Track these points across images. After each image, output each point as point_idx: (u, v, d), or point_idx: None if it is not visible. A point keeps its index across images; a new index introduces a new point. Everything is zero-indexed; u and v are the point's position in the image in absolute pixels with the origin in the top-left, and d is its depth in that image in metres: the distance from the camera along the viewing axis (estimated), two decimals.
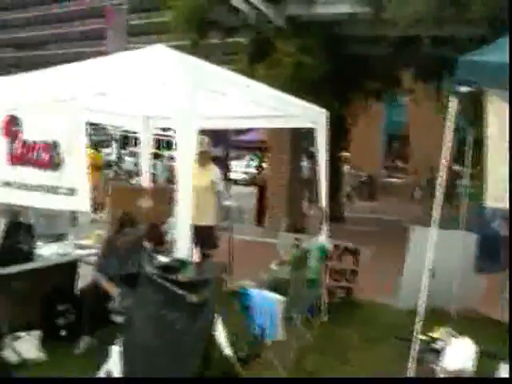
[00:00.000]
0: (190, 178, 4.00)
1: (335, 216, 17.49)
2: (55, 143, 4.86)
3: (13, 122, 5.11)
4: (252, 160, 35.44)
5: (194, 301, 3.11)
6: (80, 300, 5.45)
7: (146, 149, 7.73)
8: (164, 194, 7.71)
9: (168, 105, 3.91)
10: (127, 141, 30.26)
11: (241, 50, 15.38)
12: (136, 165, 27.04)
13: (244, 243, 9.19)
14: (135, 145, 29.96)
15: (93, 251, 5.75)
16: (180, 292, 3.12)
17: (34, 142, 5.02)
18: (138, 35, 56.50)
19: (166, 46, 3.93)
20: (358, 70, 15.39)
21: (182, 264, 3.44)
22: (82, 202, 4.80)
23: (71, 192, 4.81)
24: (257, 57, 13.71)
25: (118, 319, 4.78)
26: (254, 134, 27.72)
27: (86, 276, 5.80)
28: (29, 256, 4.94)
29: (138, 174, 25.64)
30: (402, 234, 7.51)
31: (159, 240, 5.48)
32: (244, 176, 31.40)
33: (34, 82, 4.95)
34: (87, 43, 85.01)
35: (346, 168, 21.20)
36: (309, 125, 6.71)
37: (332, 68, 12.91)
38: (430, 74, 15.23)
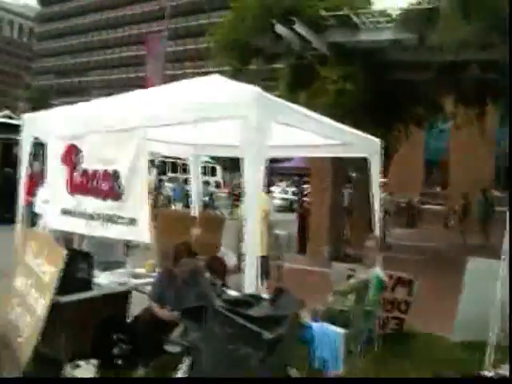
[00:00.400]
0: (257, 210, 3.87)
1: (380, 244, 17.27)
2: (116, 173, 4.84)
3: (73, 151, 5.15)
4: (288, 186, 35.48)
5: (269, 337, 3.02)
6: (134, 329, 5.42)
7: (195, 176, 7.71)
8: (212, 221, 7.69)
9: (237, 135, 3.89)
10: (165, 167, 30.57)
11: (279, 76, 15.43)
12: (175, 191, 27.28)
13: (291, 272, 9.08)
14: (173, 171, 30.33)
15: (147, 280, 5.71)
16: (254, 328, 3.03)
17: (95, 171, 5.03)
18: (174, 61, 57.58)
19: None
20: (400, 96, 15.27)
21: (254, 299, 3.35)
22: (142, 233, 4.74)
23: (131, 222, 4.77)
24: (298, 83, 13.75)
25: (173, 349, 4.74)
26: (293, 160, 27.63)
27: (136, 304, 5.78)
28: (87, 285, 4.93)
29: (175, 200, 25.72)
30: (442, 262, 7.31)
31: (222, 272, 5.39)
32: (280, 202, 31.33)
33: (94, 111, 5.01)
34: (127, 69, 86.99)
35: (383, 194, 20.88)
36: (364, 154, 6.64)
37: (374, 95, 12.83)
38: (471, 98, 15.04)
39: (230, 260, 7.15)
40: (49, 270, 4.56)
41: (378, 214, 6.79)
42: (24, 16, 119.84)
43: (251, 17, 12.35)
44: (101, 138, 4.88)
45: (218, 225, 7.40)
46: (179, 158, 28.02)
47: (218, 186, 33.67)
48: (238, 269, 6.80)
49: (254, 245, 3.90)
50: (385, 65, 13.81)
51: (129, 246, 6.45)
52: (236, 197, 33.73)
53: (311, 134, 5.08)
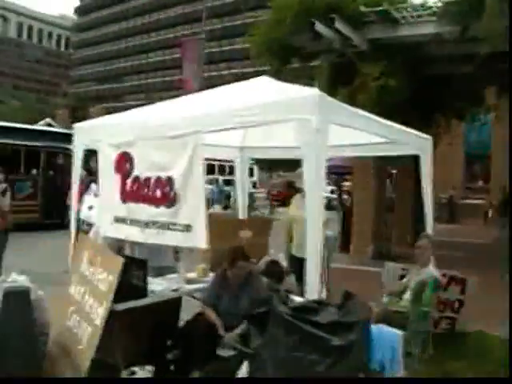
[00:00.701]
0: (320, 212, 3.80)
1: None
2: (169, 179, 4.82)
3: (125, 159, 5.16)
4: (329, 184, 35.18)
5: (337, 344, 2.95)
6: (188, 334, 5.40)
7: (242, 178, 7.68)
8: (260, 223, 7.64)
9: (297, 137, 3.85)
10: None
11: (317, 74, 15.33)
12: (214, 192, 27.37)
13: (336, 271, 8.92)
14: (210, 172, 30.47)
15: (200, 285, 5.69)
16: (322, 334, 2.96)
17: (147, 178, 5.02)
18: (209, 64, 57.92)
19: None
20: (441, 90, 14.96)
21: (320, 304, 3.29)
22: (198, 239, 4.70)
23: (187, 228, 4.74)
24: (338, 81, 13.62)
25: (226, 353, 4.71)
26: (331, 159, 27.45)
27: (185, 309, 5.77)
28: (143, 292, 4.92)
29: (214, 202, 25.74)
30: (484, 258, 7.09)
31: (280, 276, 5.32)
32: None
33: (145, 117, 5.01)
34: (162, 73, 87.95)
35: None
36: (415, 152, 6.51)
37: (416, 90, 12.62)
38: None
39: (281, 263, 7.09)
40: (105, 278, 4.56)
41: (430, 213, 6.60)
42: (62, 26, 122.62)
43: (291, 16, 12.28)
44: (153, 144, 4.88)
45: (266, 227, 7.34)
46: (216, 160, 28.28)
47: (254, 186, 33.66)
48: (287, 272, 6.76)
49: (316, 248, 3.83)
50: (426, 59, 13.57)
51: (178, 250, 6.41)
52: (273, 197, 33.68)
53: (362, 132, 4.99)
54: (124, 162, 5.16)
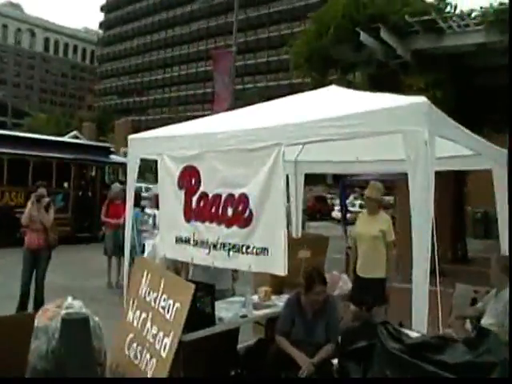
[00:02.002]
0: (429, 234, 3.49)
1: (460, 257, 16.55)
2: (244, 196, 4.38)
3: (190, 174, 4.73)
4: (356, 199, 34.67)
5: None
6: (253, 362, 5.01)
7: (296, 195, 7.27)
8: (317, 241, 7.21)
9: (405, 149, 3.48)
10: None
11: (357, 85, 14.94)
12: None
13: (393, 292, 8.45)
14: None
15: (269, 311, 5.28)
16: (448, 375, 2.54)
17: (216, 196, 4.57)
18: (240, 76, 57.71)
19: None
20: (486, 102, 14.47)
21: (443, 340, 2.86)
22: (276, 265, 4.24)
23: (263, 251, 4.29)
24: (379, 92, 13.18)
25: None
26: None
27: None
28: (211, 319, 4.50)
29: None
30: None
31: (370, 306, 4.83)
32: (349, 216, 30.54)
33: (214, 128, 4.63)
34: (186, 87, 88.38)
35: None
36: (489, 165, 6.06)
37: (462, 102, 12.16)
38: None
39: (346, 284, 6.65)
40: (172, 306, 4.16)
41: (506, 230, 6.11)
42: (86, 40, 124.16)
43: (335, 26, 11.94)
44: (224, 158, 4.45)
45: (323, 245, 6.93)
46: None
47: (288, 199, 33.12)
48: None
49: (424, 274, 3.41)
50: (472, 70, 13.11)
51: (233, 272, 5.99)
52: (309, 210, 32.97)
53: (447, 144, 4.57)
54: (189, 178, 4.72)
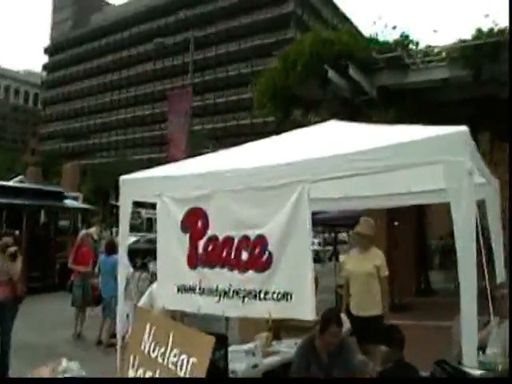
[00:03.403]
0: (474, 266, 3.26)
1: (424, 289, 16.62)
2: (262, 238, 3.99)
3: (196, 216, 4.32)
4: (315, 237, 34.80)
5: None
6: None
7: None
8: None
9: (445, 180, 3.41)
10: None
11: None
12: None
13: None
14: None
15: (280, 358, 4.89)
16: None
17: (227, 238, 4.15)
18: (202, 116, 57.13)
19: None
20: None
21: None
22: (302, 308, 3.85)
23: (284, 297, 3.90)
24: None
25: None
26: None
27: None
28: (224, 372, 4.06)
29: None
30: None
31: (401, 345, 4.51)
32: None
33: (223, 166, 4.26)
34: (133, 130, 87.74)
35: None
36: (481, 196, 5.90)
37: None
38: None
39: (345, 324, 6.38)
40: (187, 361, 3.68)
41: (502, 260, 6.00)
42: (29, 83, 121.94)
43: (302, 63, 11.86)
44: (237, 197, 4.07)
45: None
46: None
47: None
48: None
49: (473, 306, 3.23)
50: (436, 104, 13.29)
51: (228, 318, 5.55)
52: None
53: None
54: (195, 220, 4.30)
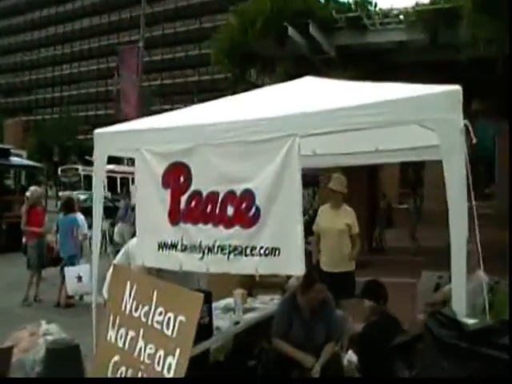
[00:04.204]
0: (465, 221, 3.32)
1: (377, 247, 17.07)
2: (249, 192, 3.91)
3: (178, 171, 4.21)
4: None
5: None
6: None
7: None
8: None
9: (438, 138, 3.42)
10: None
11: (278, 81, 14.82)
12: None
13: None
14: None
15: (256, 315, 4.95)
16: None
17: (212, 193, 4.05)
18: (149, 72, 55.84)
19: None
20: None
21: (501, 324, 2.81)
22: (291, 263, 3.80)
23: (272, 252, 3.85)
24: None
25: None
26: None
27: None
28: (209, 330, 4.06)
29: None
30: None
31: (386, 297, 4.64)
32: None
33: (206, 119, 4.16)
34: (79, 85, 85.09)
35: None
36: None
37: None
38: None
39: None
40: (174, 320, 3.64)
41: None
42: None
43: (262, 20, 11.71)
44: (221, 152, 3.97)
45: None
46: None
47: None
48: None
49: (463, 260, 3.30)
50: (393, 66, 13.39)
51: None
52: None
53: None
54: (177, 175, 4.18)
